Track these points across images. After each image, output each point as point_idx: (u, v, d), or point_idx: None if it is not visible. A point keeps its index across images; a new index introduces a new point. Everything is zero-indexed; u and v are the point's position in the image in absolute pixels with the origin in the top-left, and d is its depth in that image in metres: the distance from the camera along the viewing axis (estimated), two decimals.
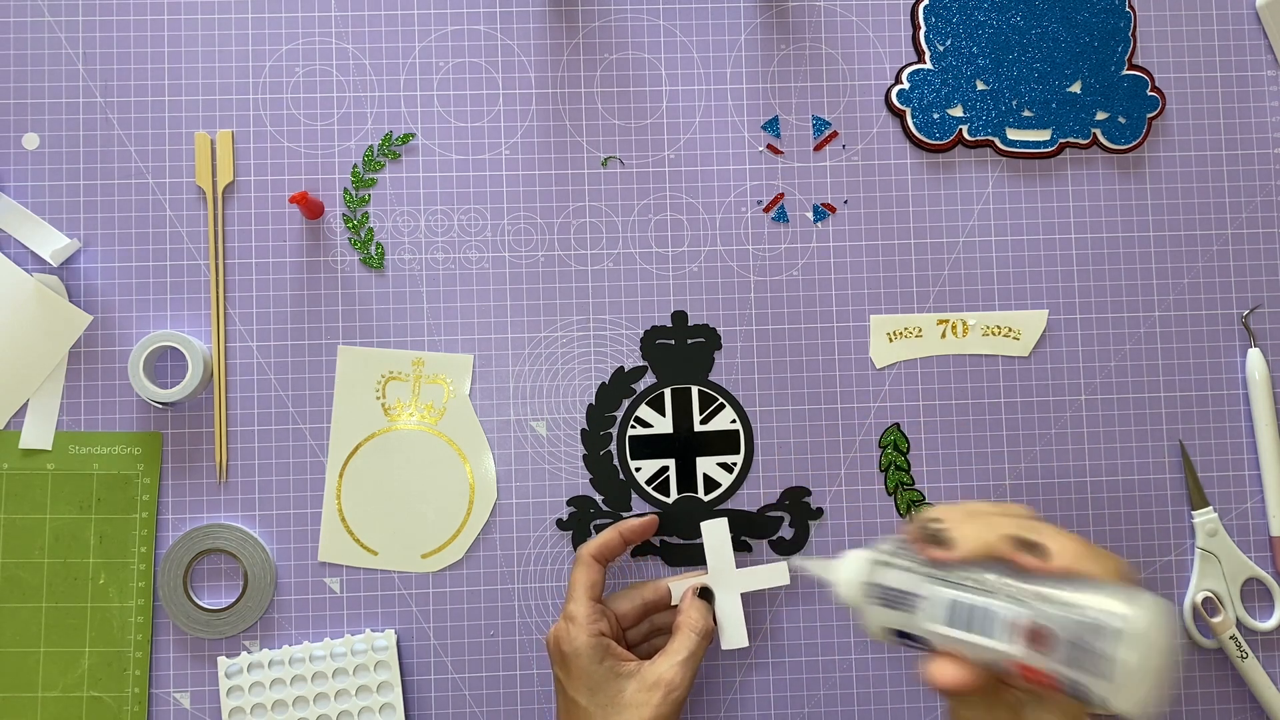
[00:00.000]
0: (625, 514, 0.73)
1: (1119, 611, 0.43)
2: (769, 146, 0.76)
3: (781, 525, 0.73)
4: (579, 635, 0.63)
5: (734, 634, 0.66)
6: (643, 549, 0.73)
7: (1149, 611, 0.43)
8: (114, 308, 0.73)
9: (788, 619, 0.74)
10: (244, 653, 0.71)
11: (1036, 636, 0.44)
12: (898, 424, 0.75)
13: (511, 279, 0.74)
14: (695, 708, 0.73)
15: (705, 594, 0.66)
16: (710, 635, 0.65)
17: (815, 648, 0.74)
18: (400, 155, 0.74)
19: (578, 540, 0.73)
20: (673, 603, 0.68)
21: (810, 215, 0.75)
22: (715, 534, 0.68)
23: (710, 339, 0.74)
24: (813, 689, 0.74)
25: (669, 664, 0.63)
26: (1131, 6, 0.77)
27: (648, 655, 0.68)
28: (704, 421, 0.74)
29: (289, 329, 0.73)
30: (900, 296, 0.75)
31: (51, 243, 0.72)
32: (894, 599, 0.48)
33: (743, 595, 0.68)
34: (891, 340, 0.75)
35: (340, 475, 0.73)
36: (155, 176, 0.73)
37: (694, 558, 0.73)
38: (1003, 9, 0.76)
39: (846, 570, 0.50)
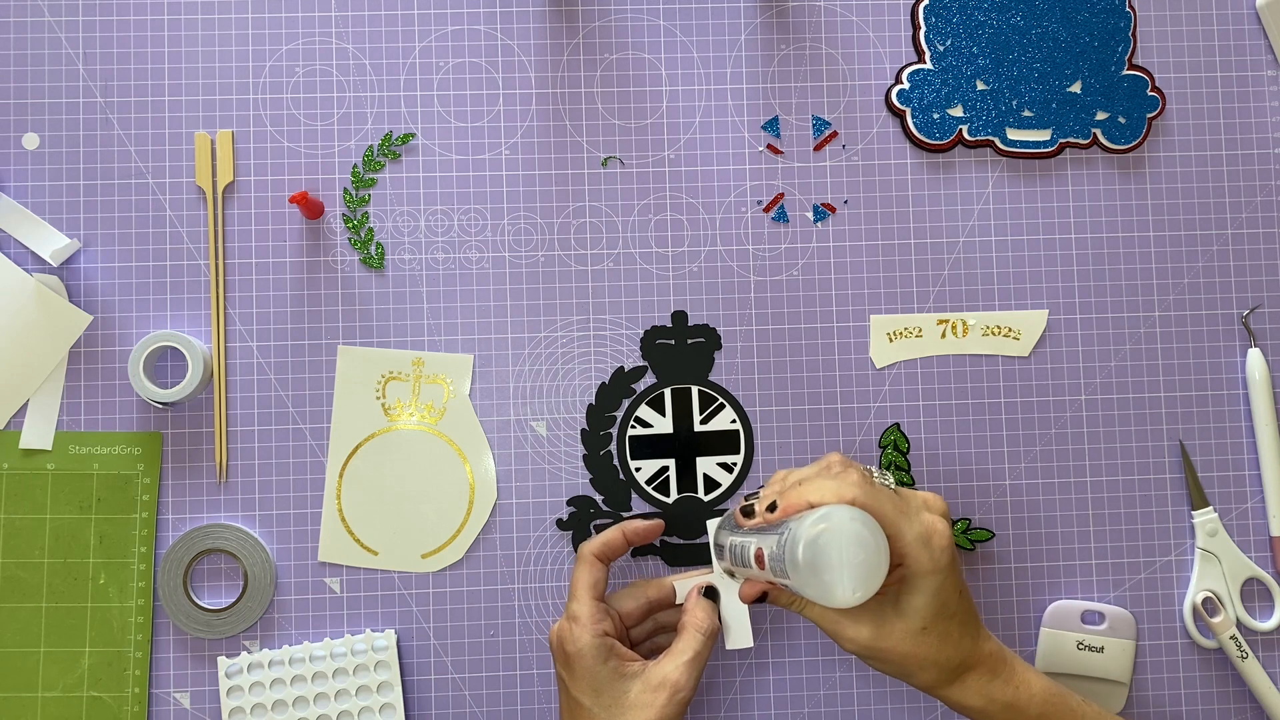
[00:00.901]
0: (625, 514, 0.73)
1: (794, 525, 0.53)
2: (769, 146, 0.76)
3: None
4: (582, 635, 0.62)
5: (739, 634, 0.66)
6: (643, 549, 0.73)
7: (816, 520, 0.52)
8: (114, 308, 0.73)
9: (788, 619, 0.74)
10: (244, 653, 0.71)
11: (760, 557, 0.56)
12: (898, 424, 0.75)
13: (511, 279, 0.74)
14: (696, 708, 0.73)
15: (710, 593, 0.66)
16: (715, 635, 0.64)
17: (815, 648, 0.74)
18: (400, 155, 0.74)
19: (578, 540, 0.73)
20: (677, 601, 0.67)
21: (810, 215, 0.75)
22: None
23: (710, 339, 0.74)
24: (813, 689, 0.74)
25: (674, 664, 0.62)
26: (1131, 6, 0.77)
27: (652, 654, 0.68)
28: (704, 421, 0.74)
29: (289, 329, 0.73)
30: (900, 296, 0.75)
31: (51, 243, 0.72)
32: (720, 551, 0.64)
33: None
34: (891, 340, 0.75)
35: (340, 475, 0.73)
36: (155, 176, 0.73)
37: (694, 558, 0.73)
38: (1003, 9, 0.76)
39: (710, 534, 0.66)
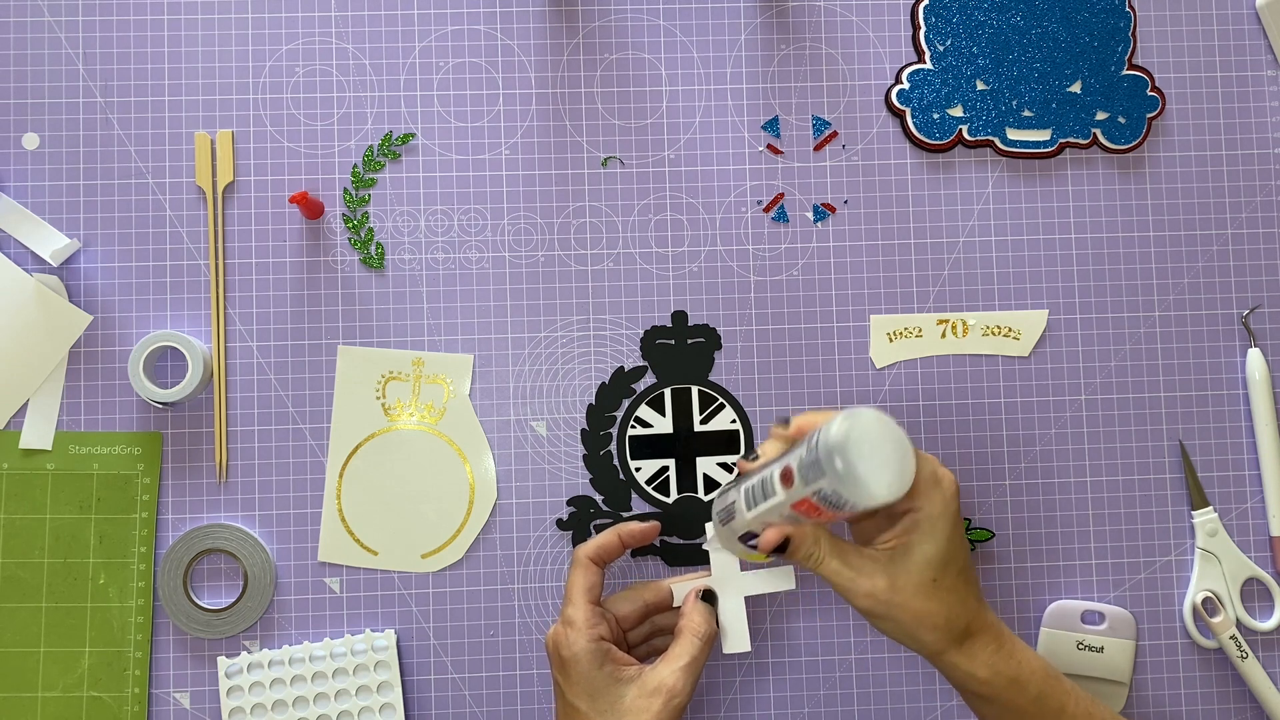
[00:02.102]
0: (625, 514, 0.73)
1: (821, 429, 0.53)
2: (769, 146, 0.76)
3: None
4: (577, 640, 0.62)
5: (737, 638, 0.65)
6: (642, 549, 0.73)
7: (844, 417, 0.52)
8: (114, 308, 0.73)
9: (788, 619, 0.74)
10: (244, 653, 0.71)
11: (787, 476, 0.55)
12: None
13: (511, 279, 0.74)
14: (695, 708, 0.73)
15: (708, 597, 0.65)
16: (713, 639, 0.64)
17: (815, 648, 0.74)
18: (400, 155, 0.74)
19: (578, 540, 0.73)
20: (675, 604, 0.67)
21: (810, 215, 0.75)
22: None
23: (710, 339, 0.74)
24: (812, 689, 0.74)
25: (670, 669, 0.61)
26: (1131, 6, 0.77)
27: (649, 656, 0.67)
28: (704, 421, 0.74)
29: (289, 329, 0.73)
30: (900, 296, 0.75)
31: (51, 243, 0.72)
32: (726, 514, 0.61)
33: (746, 598, 0.67)
34: (891, 340, 0.75)
35: (340, 475, 0.73)
36: (155, 176, 0.73)
37: (694, 558, 0.73)
38: (1003, 9, 0.76)
39: (709, 529, 0.65)
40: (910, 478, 0.53)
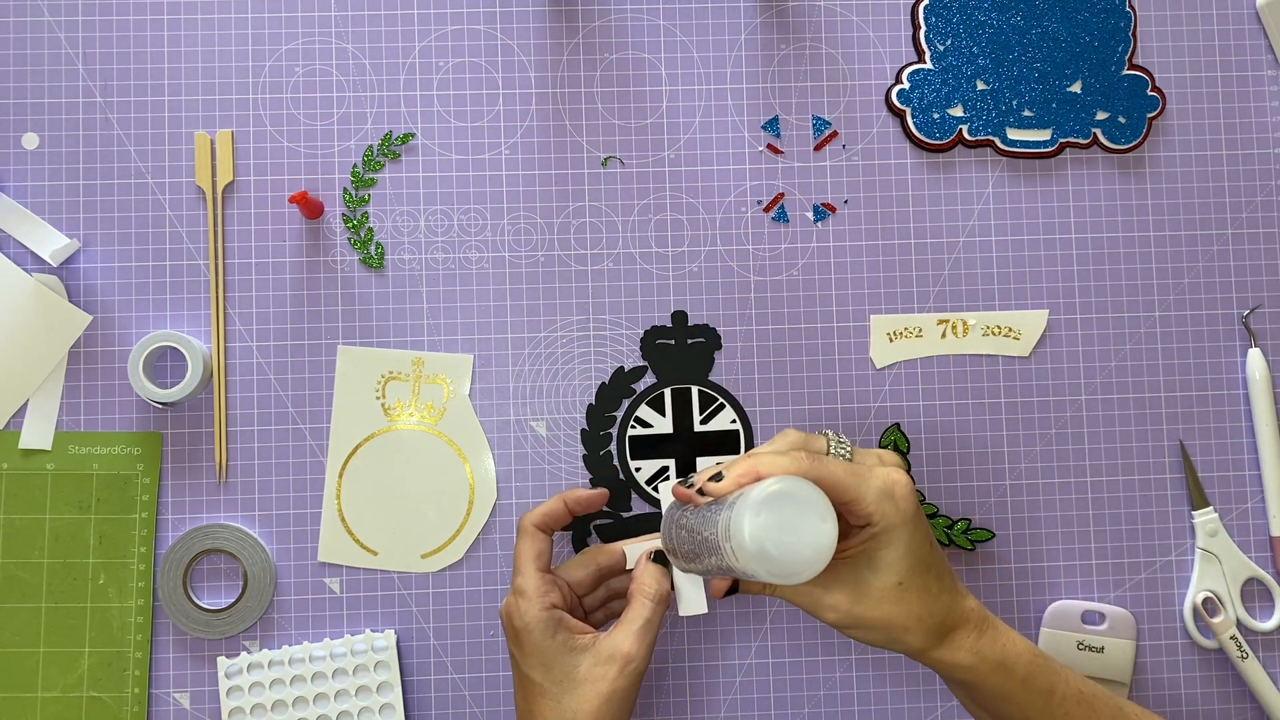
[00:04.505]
0: (625, 514, 0.73)
1: (734, 533, 0.51)
2: (769, 146, 0.76)
3: None
4: (529, 610, 0.61)
5: (692, 600, 0.62)
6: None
7: (749, 525, 0.51)
8: (114, 308, 0.73)
9: (788, 619, 0.74)
10: (244, 653, 0.71)
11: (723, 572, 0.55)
12: (898, 424, 0.75)
13: (511, 279, 0.74)
14: (695, 708, 0.73)
15: (660, 558, 0.63)
16: (667, 600, 0.62)
17: (815, 648, 0.74)
18: (400, 155, 0.74)
19: (577, 541, 0.73)
20: (628, 567, 0.65)
21: (810, 215, 0.75)
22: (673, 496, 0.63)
23: (710, 339, 0.74)
24: (813, 689, 0.74)
25: (624, 635, 0.60)
26: (1131, 6, 0.77)
27: (607, 620, 0.67)
28: (704, 421, 0.74)
29: (289, 329, 0.73)
30: (900, 296, 0.75)
31: (51, 243, 0.72)
32: (673, 548, 0.60)
33: None
34: (891, 340, 0.75)
35: (340, 475, 0.73)
36: (155, 176, 0.73)
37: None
38: (1003, 9, 0.76)
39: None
40: (832, 534, 0.51)
